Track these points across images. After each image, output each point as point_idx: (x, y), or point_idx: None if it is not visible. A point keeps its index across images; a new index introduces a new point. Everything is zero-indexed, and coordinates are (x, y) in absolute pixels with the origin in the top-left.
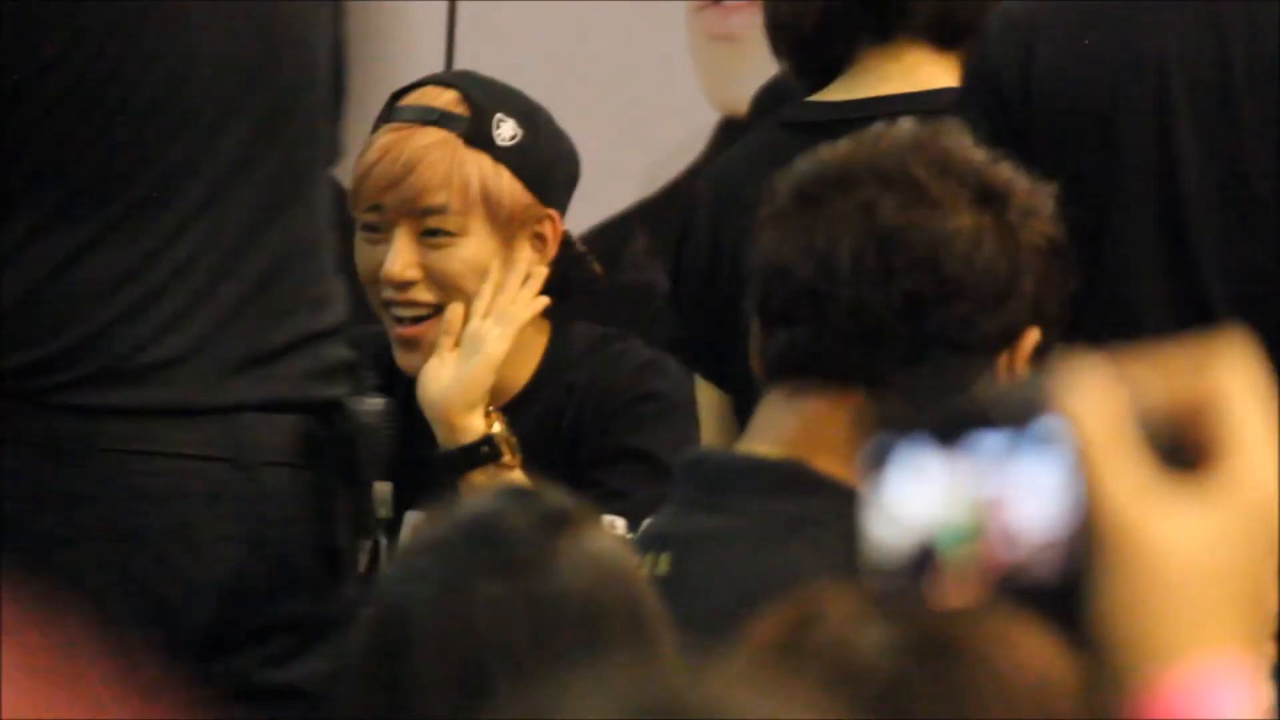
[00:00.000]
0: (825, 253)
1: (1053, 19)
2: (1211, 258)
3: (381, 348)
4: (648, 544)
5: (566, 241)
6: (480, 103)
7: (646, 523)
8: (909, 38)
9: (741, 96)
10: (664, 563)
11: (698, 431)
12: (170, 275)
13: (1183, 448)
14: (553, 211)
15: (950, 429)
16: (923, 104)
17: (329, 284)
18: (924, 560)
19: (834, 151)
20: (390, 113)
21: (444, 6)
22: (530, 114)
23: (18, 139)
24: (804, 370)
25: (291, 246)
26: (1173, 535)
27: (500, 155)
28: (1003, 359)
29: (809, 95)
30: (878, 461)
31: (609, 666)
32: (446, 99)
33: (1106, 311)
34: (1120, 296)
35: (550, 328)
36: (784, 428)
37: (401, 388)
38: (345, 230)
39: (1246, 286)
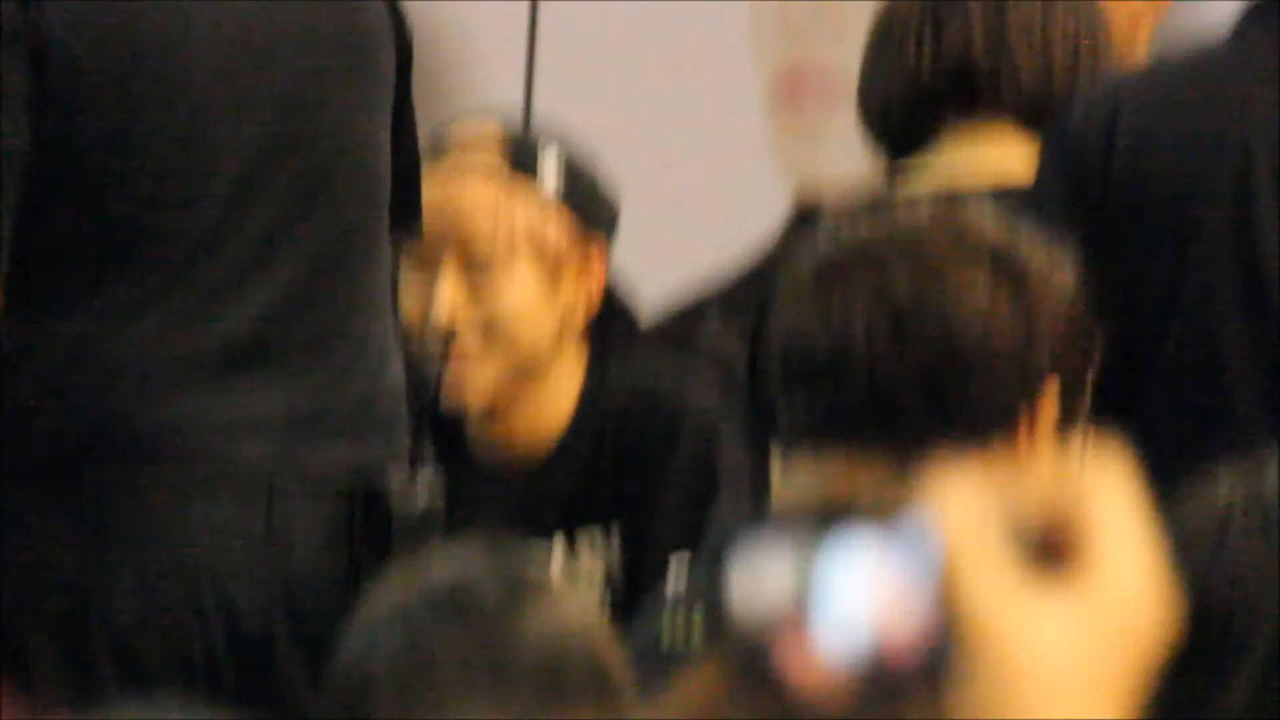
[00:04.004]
0: (841, 328)
1: (1136, 98)
2: None
3: (434, 408)
4: (683, 602)
5: (611, 290)
6: (526, 141)
7: (681, 579)
8: (994, 118)
9: (816, 180)
10: (698, 621)
11: (737, 444)
12: (202, 350)
13: (1049, 548)
14: (598, 247)
15: (820, 520)
16: (1001, 186)
17: (385, 353)
18: (784, 643)
19: (854, 226)
20: (433, 152)
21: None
22: (573, 151)
23: (41, 208)
24: (823, 436)
25: (344, 318)
26: (1033, 633)
27: (546, 193)
28: (1023, 428)
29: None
30: (744, 545)
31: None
32: (490, 136)
33: (1179, 386)
34: (1193, 373)
35: (597, 370)
36: (808, 495)
37: (450, 438)
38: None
39: None
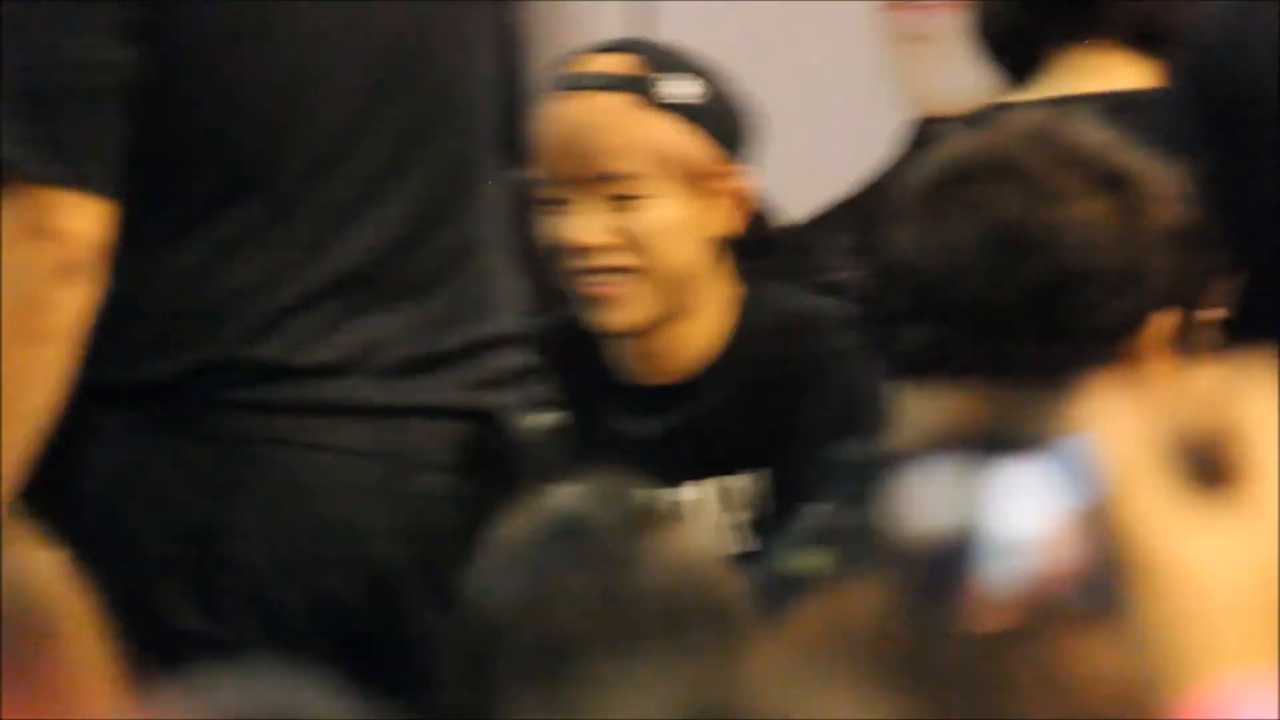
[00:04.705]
0: (947, 248)
1: (1267, 10)
2: None
3: (569, 336)
4: (807, 540)
5: (760, 214)
6: (660, 64)
7: (805, 518)
8: (1106, 39)
9: (933, 95)
10: (826, 559)
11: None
12: (323, 279)
13: (1211, 470)
14: (738, 167)
15: (986, 447)
16: (1115, 103)
17: (503, 288)
18: (953, 569)
19: (959, 147)
20: (563, 80)
21: (619, 8)
22: (706, 72)
23: (149, 141)
24: (933, 366)
25: (458, 251)
26: (1200, 555)
27: (679, 114)
28: (1134, 344)
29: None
30: (913, 475)
31: (658, 665)
32: (621, 63)
33: None
34: None
35: (744, 293)
36: (923, 423)
37: (589, 365)
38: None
39: None
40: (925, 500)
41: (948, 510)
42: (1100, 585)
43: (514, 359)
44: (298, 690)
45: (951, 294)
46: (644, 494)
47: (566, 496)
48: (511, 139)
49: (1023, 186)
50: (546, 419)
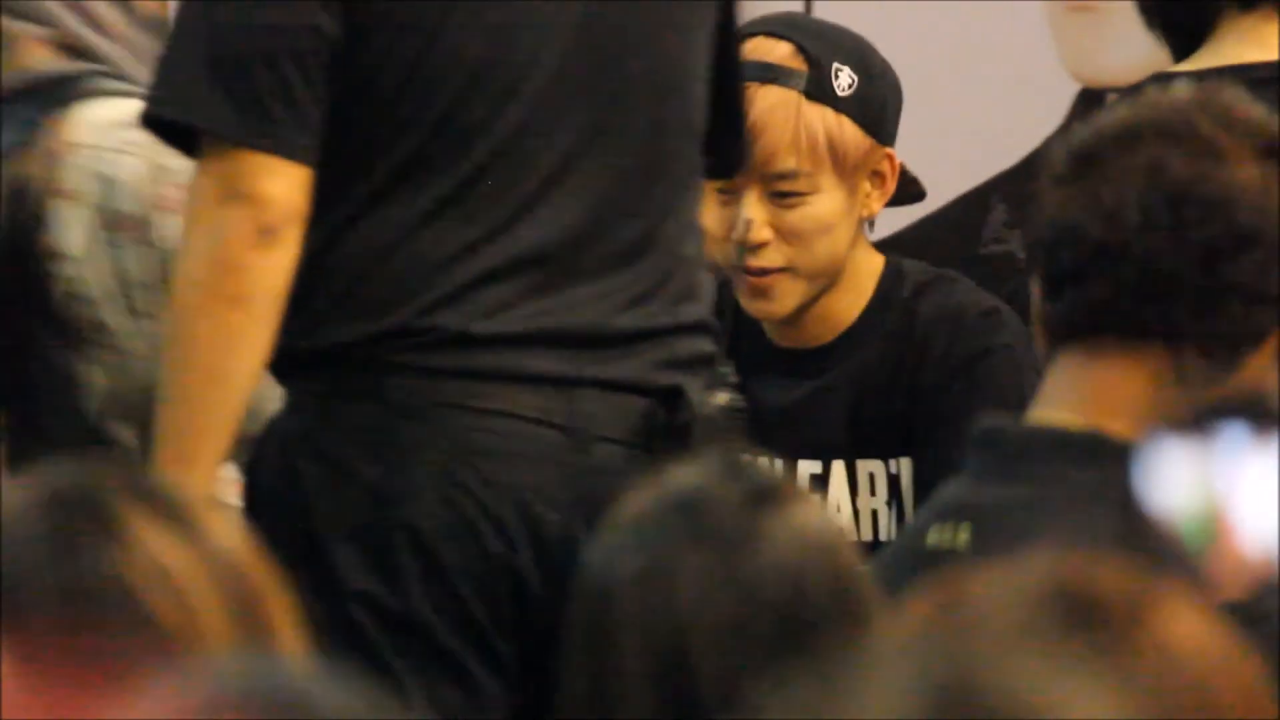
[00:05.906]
0: (1113, 209)
1: None
2: None
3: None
4: (945, 515)
5: (905, 183)
6: (817, 55)
7: (941, 493)
8: (1273, 7)
9: (1100, 66)
10: (963, 534)
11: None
12: (513, 252)
13: None
14: (890, 150)
15: (1215, 421)
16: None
17: (693, 278)
18: (1200, 549)
19: (1113, 114)
20: None
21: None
22: (860, 56)
23: (348, 109)
24: (1097, 329)
25: (650, 236)
26: None
27: (841, 106)
28: None
29: (1174, 63)
30: (1159, 454)
31: (897, 646)
32: (782, 53)
33: None
34: None
35: (884, 263)
36: (1079, 392)
37: (736, 329)
38: None
39: None
40: (1171, 475)
41: (1195, 484)
42: None
43: (699, 345)
44: (310, 680)
45: (1119, 255)
46: (767, 469)
47: (688, 472)
48: (726, 126)
49: (1192, 148)
50: (724, 398)
